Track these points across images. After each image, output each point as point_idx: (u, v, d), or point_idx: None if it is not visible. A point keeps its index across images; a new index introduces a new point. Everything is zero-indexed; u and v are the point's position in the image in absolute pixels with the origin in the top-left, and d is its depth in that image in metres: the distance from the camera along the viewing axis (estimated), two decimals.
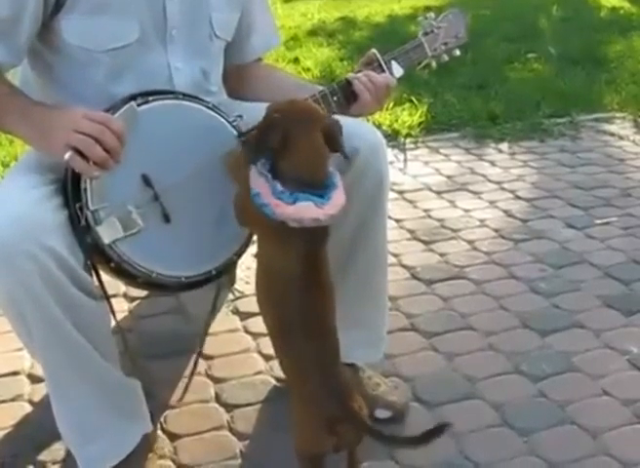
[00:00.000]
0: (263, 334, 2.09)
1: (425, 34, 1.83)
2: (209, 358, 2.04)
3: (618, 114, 4.17)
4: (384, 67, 1.73)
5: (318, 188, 1.40)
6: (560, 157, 3.57)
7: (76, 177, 1.39)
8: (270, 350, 2.00)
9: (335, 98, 1.66)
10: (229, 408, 1.87)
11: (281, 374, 1.93)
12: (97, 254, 1.42)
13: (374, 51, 1.75)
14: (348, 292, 1.71)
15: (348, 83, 1.67)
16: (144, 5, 1.53)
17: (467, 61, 4.56)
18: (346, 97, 1.67)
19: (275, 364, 1.98)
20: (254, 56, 1.84)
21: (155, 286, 1.51)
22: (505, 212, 2.99)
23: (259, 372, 1.99)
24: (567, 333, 2.20)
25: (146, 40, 1.54)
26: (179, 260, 1.50)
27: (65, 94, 1.55)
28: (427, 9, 6.74)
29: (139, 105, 1.45)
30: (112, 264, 1.43)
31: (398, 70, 1.76)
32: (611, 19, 6.42)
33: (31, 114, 1.43)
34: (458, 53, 1.89)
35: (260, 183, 1.39)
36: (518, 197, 3.13)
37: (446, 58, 1.87)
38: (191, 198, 1.49)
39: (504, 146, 3.69)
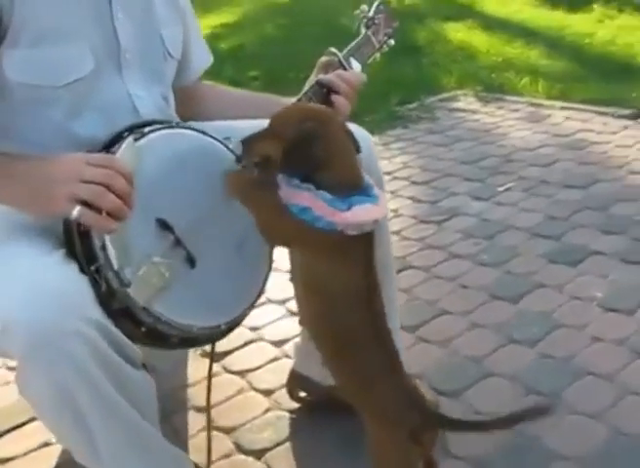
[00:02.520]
0: (248, 370, 1.98)
1: (368, 27, 1.78)
2: (205, 410, 1.85)
3: (459, 92, 4.38)
4: (346, 66, 1.67)
5: (361, 189, 1.31)
6: (431, 139, 3.68)
7: (85, 236, 1.19)
8: (266, 384, 1.92)
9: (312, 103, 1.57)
10: (257, 454, 1.71)
11: (292, 405, 1.82)
12: (123, 321, 1.22)
13: (334, 50, 1.67)
14: None
15: (321, 86, 1.59)
16: (93, 28, 1.35)
17: (294, 68, 4.58)
18: (323, 101, 1.59)
19: (280, 396, 1.86)
20: (196, 75, 1.70)
21: (190, 342, 1.33)
22: (411, 198, 3.03)
23: (267, 410, 1.84)
24: (534, 295, 2.25)
25: (102, 68, 1.36)
26: (214, 306, 1.33)
27: (19, 141, 1.33)
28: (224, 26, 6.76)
29: (135, 140, 1.27)
30: (143, 329, 1.23)
31: (357, 67, 1.70)
32: (403, 10, 6.76)
33: (14, 172, 1.21)
34: (393, 42, 1.87)
35: (303, 197, 1.27)
36: (414, 182, 3.18)
37: (386, 48, 1.84)
38: (210, 235, 1.33)
39: (375, 139, 3.74)
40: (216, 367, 2.02)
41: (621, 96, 4.05)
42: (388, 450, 1.36)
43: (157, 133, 1.31)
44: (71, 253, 1.20)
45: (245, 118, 1.57)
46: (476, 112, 4.01)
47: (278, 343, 2.09)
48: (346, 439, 1.71)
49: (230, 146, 1.42)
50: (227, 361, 2.03)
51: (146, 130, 1.29)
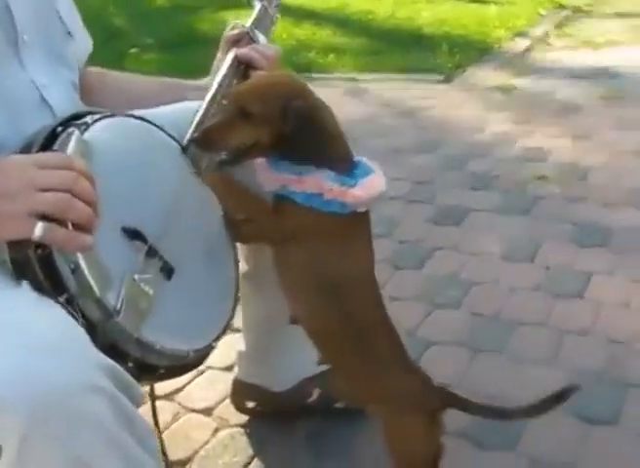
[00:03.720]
0: (176, 391, 1.75)
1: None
2: (184, 463, 1.57)
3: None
4: (255, 39, 1.51)
5: (353, 161, 1.18)
6: None
7: (47, 260, 0.92)
8: (202, 402, 1.70)
9: (235, 82, 1.40)
10: None
11: (241, 418, 1.64)
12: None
13: (241, 23, 1.51)
14: None
15: (239, 62, 1.42)
16: None
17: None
18: (242, 77, 1.42)
19: (223, 412, 1.67)
20: (83, 60, 1.45)
21: (177, 371, 1.11)
22: None
23: (216, 430, 1.63)
24: (435, 259, 2.23)
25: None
26: (200, 322, 1.13)
27: None
28: None
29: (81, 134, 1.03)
30: (130, 363, 0.98)
31: (263, 39, 1.55)
32: (177, 3, 6.55)
33: None
34: (279, 15, 1.74)
35: (308, 183, 1.12)
36: None
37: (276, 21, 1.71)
38: (177, 239, 1.11)
39: None
40: (175, 409, 1.74)
41: (425, 63, 4.19)
42: (411, 437, 1.27)
43: (101, 122, 1.07)
44: (34, 284, 0.94)
45: (148, 107, 1.36)
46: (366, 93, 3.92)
47: None
48: (314, 440, 1.58)
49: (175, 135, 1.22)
50: (180, 398, 1.75)
51: (89, 120, 1.05)
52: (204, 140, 1.17)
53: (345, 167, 1.16)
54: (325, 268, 1.18)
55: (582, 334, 1.81)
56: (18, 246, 0.92)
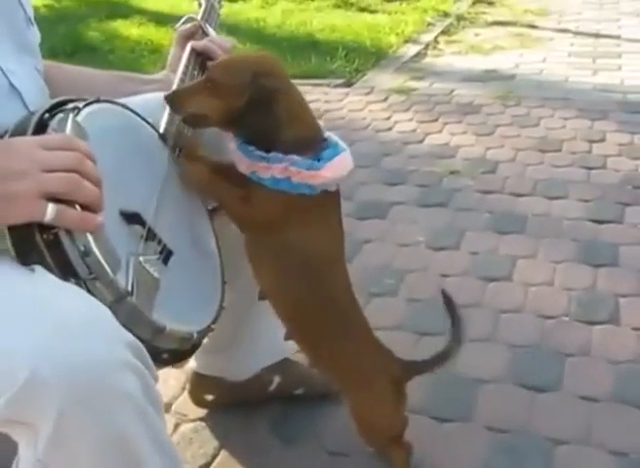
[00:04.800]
0: (168, 403, 1.71)
1: None
2: None
3: None
4: (207, 32, 1.53)
5: (324, 140, 1.22)
6: None
7: (54, 244, 0.90)
8: (196, 411, 1.65)
9: (196, 73, 1.41)
10: None
11: (200, 411, 1.64)
12: None
13: (195, 17, 1.52)
14: None
15: (197, 54, 1.43)
16: None
17: None
18: (201, 69, 1.44)
19: (181, 406, 1.66)
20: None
21: (181, 354, 1.10)
22: None
23: (177, 425, 1.62)
24: (364, 251, 2.30)
25: None
26: (198, 303, 1.14)
27: None
28: None
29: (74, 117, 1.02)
30: None
31: (212, 33, 1.56)
32: (61, 12, 6.39)
33: None
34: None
35: (275, 170, 1.14)
36: None
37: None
38: (167, 221, 1.12)
39: None
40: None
41: (322, 68, 4.27)
42: (380, 411, 1.33)
43: (90, 107, 1.06)
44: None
45: None
46: None
47: None
48: (279, 427, 1.60)
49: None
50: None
51: (80, 105, 1.04)
52: (171, 100, 1.19)
53: (313, 149, 1.18)
54: (295, 247, 1.21)
55: (516, 312, 1.93)
56: (21, 230, 0.89)
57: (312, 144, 1.19)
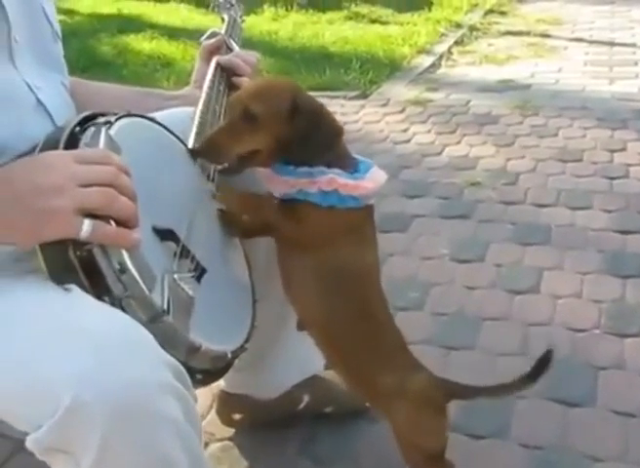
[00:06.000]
0: None
1: (228, 9, 1.65)
2: None
3: None
4: (232, 47, 1.52)
5: (353, 157, 1.21)
6: None
7: (90, 261, 0.88)
8: (224, 431, 1.61)
9: (222, 88, 1.40)
10: None
11: (227, 431, 1.61)
12: None
13: (220, 32, 1.51)
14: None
15: (222, 69, 1.42)
16: None
17: None
18: (227, 85, 1.43)
19: (207, 425, 1.63)
20: None
21: (214, 375, 1.07)
22: None
23: (206, 444, 1.59)
24: (388, 264, 2.28)
25: None
26: (233, 322, 1.13)
27: None
28: None
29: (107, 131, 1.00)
30: None
31: (236, 48, 1.56)
32: (73, 28, 6.41)
33: None
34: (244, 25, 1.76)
35: (322, 183, 1.13)
36: None
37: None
38: (202, 238, 1.10)
39: None
40: None
41: (337, 81, 4.27)
42: (424, 432, 1.30)
43: (121, 121, 1.04)
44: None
45: None
46: None
47: None
48: (310, 446, 1.58)
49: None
50: None
51: (112, 119, 1.02)
52: (206, 150, 1.14)
53: (350, 164, 1.18)
54: (340, 265, 1.18)
55: (545, 325, 1.90)
56: (54, 247, 0.87)
57: (349, 158, 1.18)
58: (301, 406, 1.61)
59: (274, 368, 1.58)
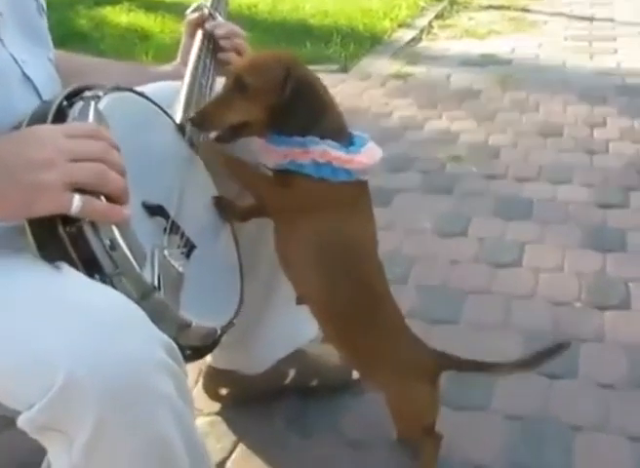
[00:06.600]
0: None
1: None
2: None
3: None
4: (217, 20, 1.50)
5: (349, 132, 1.20)
6: None
7: (80, 237, 0.87)
8: (211, 405, 1.62)
9: (208, 61, 1.39)
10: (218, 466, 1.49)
11: (214, 406, 1.63)
12: None
13: (206, 5, 1.49)
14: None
15: (209, 42, 1.41)
16: None
17: None
18: (213, 57, 1.41)
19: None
20: None
21: (203, 351, 1.08)
22: None
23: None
24: None
25: None
26: (221, 298, 1.13)
27: None
28: None
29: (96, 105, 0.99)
30: None
31: (222, 21, 1.54)
32: None
33: None
34: None
35: (314, 154, 1.13)
36: None
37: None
38: (190, 214, 1.10)
39: None
40: None
41: (318, 54, 4.23)
42: (418, 404, 1.32)
43: (109, 95, 1.03)
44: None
45: None
46: None
47: None
48: (297, 420, 1.59)
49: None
50: None
51: (100, 93, 1.01)
52: (201, 120, 1.15)
53: (345, 137, 1.18)
54: (336, 238, 1.19)
55: (527, 298, 1.93)
56: (43, 223, 0.86)
57: (344, 132, 1.18)
58: (288, 380, 1.62)
59: (260, 343, 1.58)
